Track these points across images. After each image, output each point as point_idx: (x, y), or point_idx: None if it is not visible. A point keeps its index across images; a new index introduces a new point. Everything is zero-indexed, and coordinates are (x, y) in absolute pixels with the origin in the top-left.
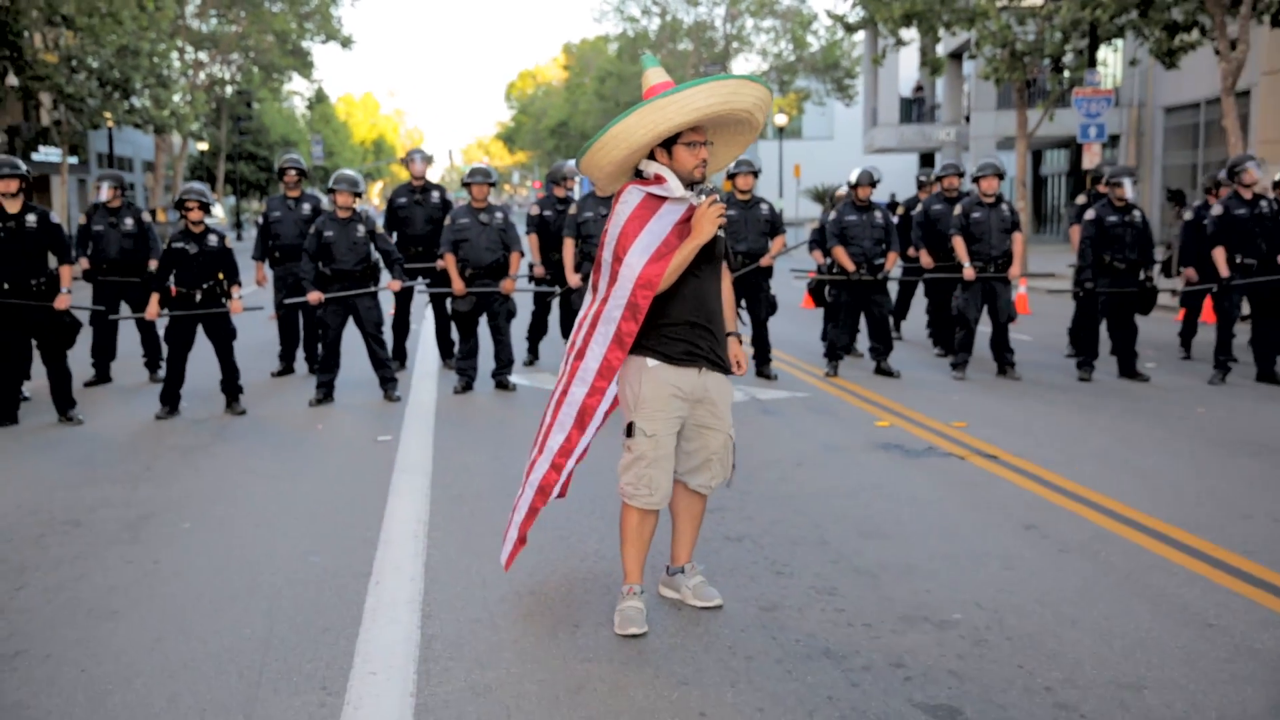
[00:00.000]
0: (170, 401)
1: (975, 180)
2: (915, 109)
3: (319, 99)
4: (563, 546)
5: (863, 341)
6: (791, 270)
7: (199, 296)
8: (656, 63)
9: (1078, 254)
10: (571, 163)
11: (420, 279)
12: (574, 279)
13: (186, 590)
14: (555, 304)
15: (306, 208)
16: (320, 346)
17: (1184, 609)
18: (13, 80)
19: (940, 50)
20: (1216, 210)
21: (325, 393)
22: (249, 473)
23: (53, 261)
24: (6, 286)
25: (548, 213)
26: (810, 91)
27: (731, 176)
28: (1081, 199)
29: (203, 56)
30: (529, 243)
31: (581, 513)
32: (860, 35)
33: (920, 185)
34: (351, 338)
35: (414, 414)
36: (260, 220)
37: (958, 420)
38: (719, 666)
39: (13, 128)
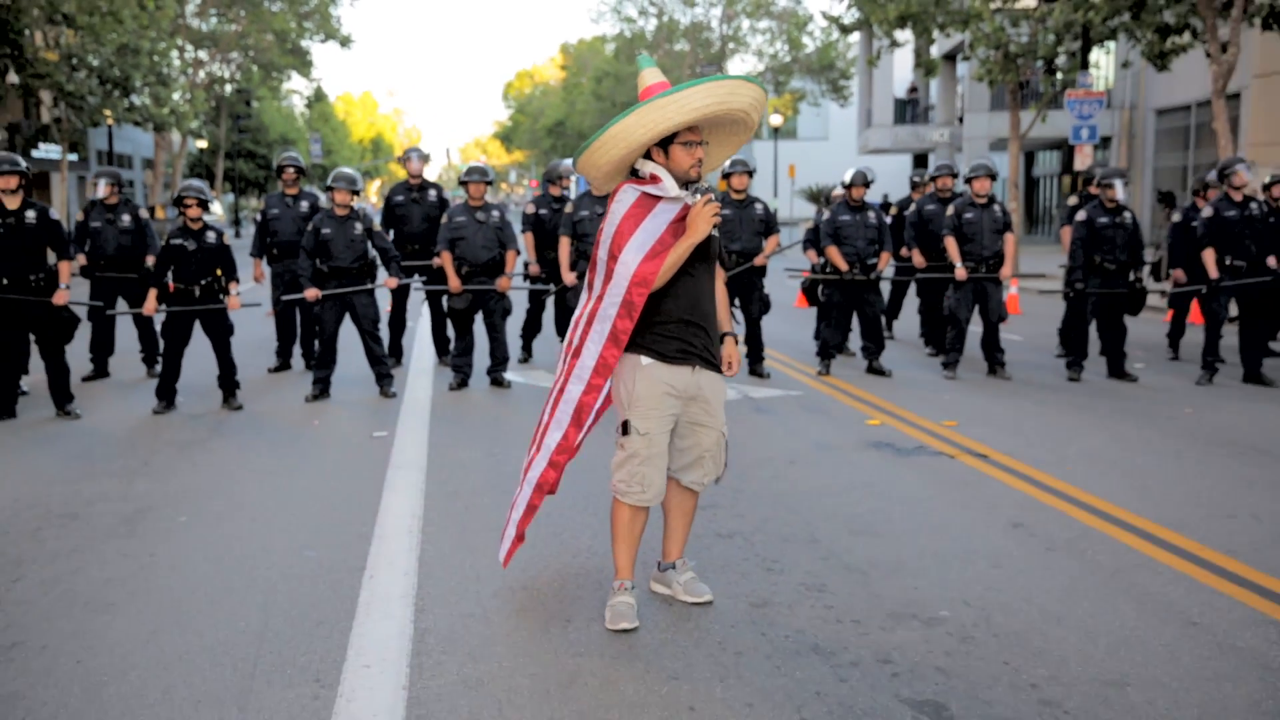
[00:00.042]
0: (167, 396)
1: (968, 181)
2: (909, 110)
3: (318, 98)
4: (555, 542)
5: (855, 341)
6: (786, 269)
7: (197, 292)
8: (652, 63)
9: (1069, 255)
10: (567, 162)
11: (417, 276)
12: (569, 277)
13: (182, 584)
14: (550, 302)
15: (305, 205)
16: (317, 343)
17: (1168, 607)
18: (13, 78)
19: (934, 52)
20: (1207, 212)
21: (322, 389)
22: (245, 468)
23: (51, 257)
24: (5, 282)
25: (543, 211)
26: (805, 92)
27: (727, 176)
28: (1073, 200)
29: (202, 55)
30: (524, 241)
31: (574, 509)
32: (855, 37)
33: (914, 186)
34: (348, 334)
35: (409, 410)
36: (259, 217)
37: (948, 419)
38: (709, 662)
39: (13, 125)
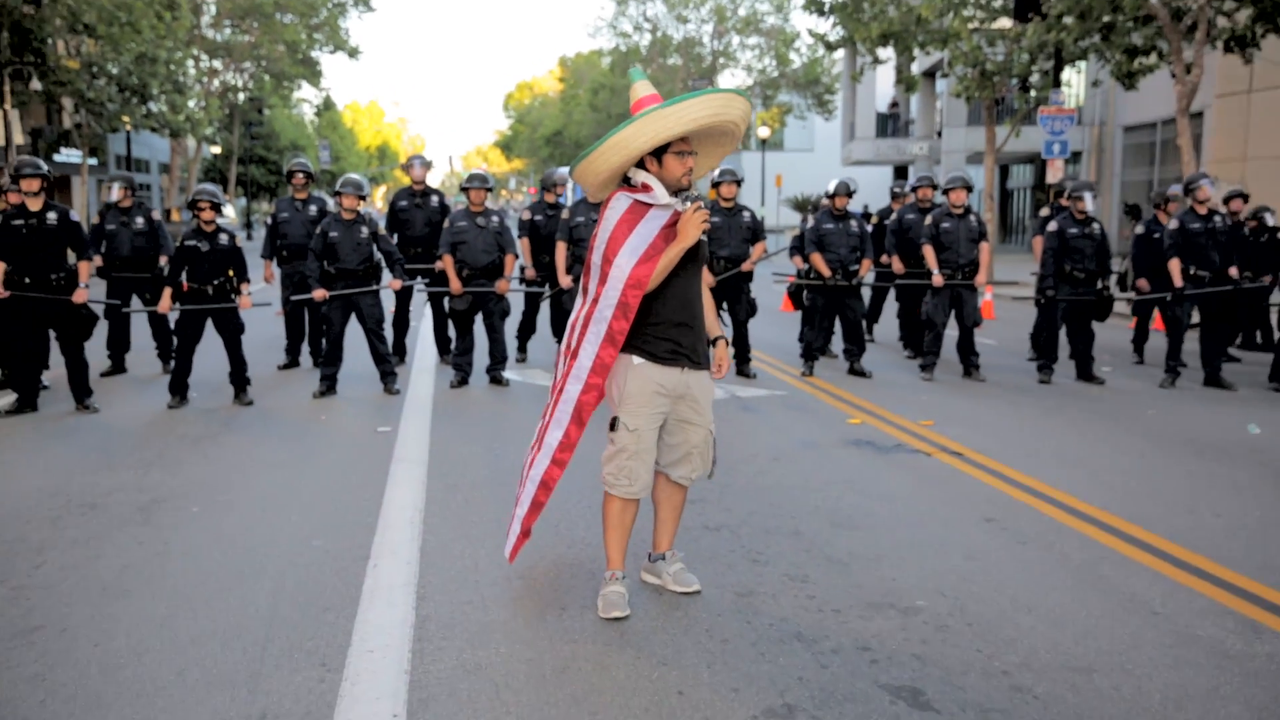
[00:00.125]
0: (179, 391)
1: (945, 192)
2: (891, 124)
3: (327, 106)
4: (551, 534)
5: (837, 343)
6: (772, 274)
7: (210, 292)
8: (644, 76)
9: (1040, 263)
10: (563, 170)
11: (419, 278)
12: (566, 280)
13: (195, 571)
14: (545, 304)
15: (313, 209)
16: (324, 341)
17: (1131, 598)
18: (36, 85)
19: (915, 69)
20: (1173, 225)
21: (328, 385)
22: (255, 461)
23: (71, 257)
24: (28, 281)
25: (538, 217)
26: (792, 106)
27: (716, 185)
28: (1045, 211)
29: (217, 64)
30: (521, 246)
31: (569, 502)
32: (840, 54)
33: (894, 196)
34: (354, 333)
35: (412, 407)
36: (269, 220)
37: (925, 419)
38: (697, 648)
39: (36, 130)
